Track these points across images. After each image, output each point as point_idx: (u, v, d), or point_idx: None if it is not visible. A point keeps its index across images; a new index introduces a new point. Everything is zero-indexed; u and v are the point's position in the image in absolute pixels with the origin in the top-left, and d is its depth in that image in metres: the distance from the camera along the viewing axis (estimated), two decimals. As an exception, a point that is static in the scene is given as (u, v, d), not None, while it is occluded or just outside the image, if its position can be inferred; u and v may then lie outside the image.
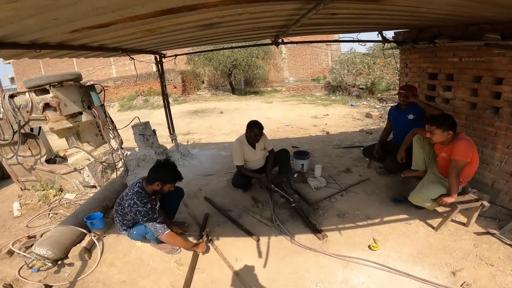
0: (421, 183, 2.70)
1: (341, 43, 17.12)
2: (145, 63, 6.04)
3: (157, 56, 4.73)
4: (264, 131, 3.39)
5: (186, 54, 7.34)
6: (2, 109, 3.31)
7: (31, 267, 2.35)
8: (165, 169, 2.28)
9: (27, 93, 3.32)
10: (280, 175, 3.62)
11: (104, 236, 2.81)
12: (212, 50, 13.24)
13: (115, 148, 3.98)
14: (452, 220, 2.71)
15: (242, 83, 18.37)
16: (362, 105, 11.09)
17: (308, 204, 3.16)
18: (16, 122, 3.29)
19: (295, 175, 3.86)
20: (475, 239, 2.52)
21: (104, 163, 3.75)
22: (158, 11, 1.75)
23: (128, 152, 4.38)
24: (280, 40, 4.01)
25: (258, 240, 2.62)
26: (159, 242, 2.49)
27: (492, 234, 2.50)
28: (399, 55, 4.75)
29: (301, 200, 3.23)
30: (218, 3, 1.75)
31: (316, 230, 2.66)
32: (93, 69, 18.08)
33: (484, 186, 3.12)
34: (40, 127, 3.75)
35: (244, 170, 3.45)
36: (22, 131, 3.37)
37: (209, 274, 2.30)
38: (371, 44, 12.19)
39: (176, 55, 4.96)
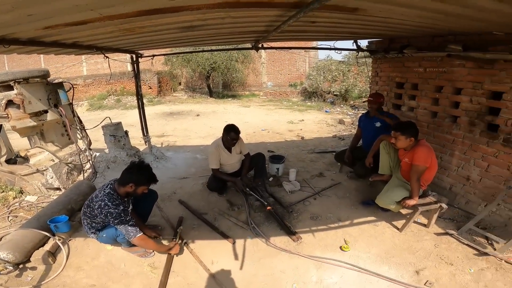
0: (386, 187, 2.88)
1: (319, 50, 17.64)
2: (120, 62, 5.83)
3: (133, 56, 4.60)
4: (240, 135, 3.41)
5: (164, 55, 7.19)
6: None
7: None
8: (139, 171, 2.22)
9: None
10: (256, 179, 3.65)
11: (70, 240, 2.66)
12: (191, 52, 13.12)
13: (82, 149, 3.79)
14: (415, 222, 2.90)
15: (220, 86, 18.31)
16: (336, 111, 11.51)
17: (283, 207, 3.22)
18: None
19: (271, 179, 3.92)
20: (435, 239, 2.71)
21: (70, 165, 3.56)
22: (141, 11, 1.72)
23: (97, 154, 4.19)
24: (260, 45, 4.08)
25: (234, 243, 2.62)
26: (131, 245, 2.41)
27: (451, 235, 2.71)
28: (371, 63, 5.01)
29: (276, 203, 3.29)
30: (201, 6, 1.76)
31: (290, 232, 2.73)
32: (61, 66, 17.02)
33: (443, 190, 3.38)
34: (1, 125, 3.48)
35: (219, 173, 3.45)
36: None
37: (184, 277, 2.27)
38: (346, 52, 12.73)
39: (153, 55, 4.85)
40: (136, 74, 4.76)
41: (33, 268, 2.32)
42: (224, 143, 3.39)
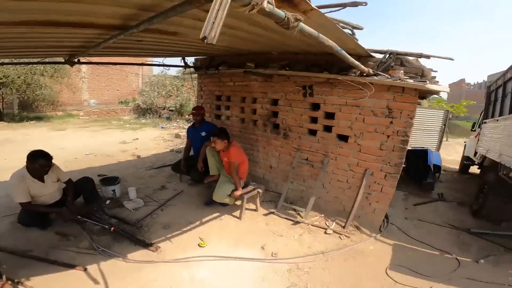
0: (218, 185, 3.53)
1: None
2: None
3: None
4: (56, 162, 2.99)
5: None
6: None
7: None
8: None
9: None
10: (88, 205, 3.25)
11: None
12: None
13: None
14: (247, 209, 3.65)
15: (15, 106, 13.60)
16: (172, 126, 11.82)
17: (130, 224, 3.12)
18: None
19: (107, 202, 3.62)
20: (265, 219, 3.49)
21: None
22: None
23: None
24: (76, 60, 3.67)
25: (85, 270, 2.31)
26: None
27: (273, 213, 3.61)
28: (197, 79, 5.67)
29: (122, 223, 3.12)
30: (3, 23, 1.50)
31: (147, 244, 2.72)
32: None
33: (259, 179, 4.45)
34: None
35: (33, 207, 2.82)
36: None
37: None
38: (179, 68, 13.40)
39: None
40: None
41: None
42: (32, 173, 2.80)
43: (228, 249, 2.84)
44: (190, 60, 5.14)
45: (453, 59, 3.27)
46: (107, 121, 13.64)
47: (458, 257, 2.85)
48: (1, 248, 2.52)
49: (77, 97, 15.50)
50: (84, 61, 3.94)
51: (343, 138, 3.41)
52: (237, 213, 3.55)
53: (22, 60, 6.47)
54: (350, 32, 2.57)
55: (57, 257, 2.48)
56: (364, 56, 2.98)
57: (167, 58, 4.79)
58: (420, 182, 4.93)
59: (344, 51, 1.89)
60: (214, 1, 0.87)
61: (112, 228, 2.78)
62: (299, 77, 3.58)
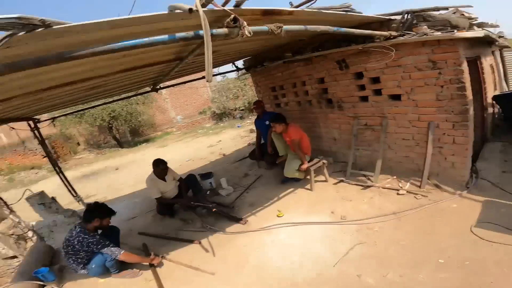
0: (286, 162, 4.06)
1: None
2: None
3: (31, 123, 4.55)
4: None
5: (64, 115, 6.91)
6: None
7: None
8: (99, 208, 2.76)
9: None
10: (195, 195, 4.29)
11: (63, 285, 2.81)
12: (85, 109, 12.22)
13: (17, 221, 3.68)
14: (318, 180, 4.06)
15: (128, 134, 17.40)
16: (247, 124, 12.93)
17: (226, 206, 3.99)
18: None
19: (208, 192, 4.61)
20: (335, 188, 3.83)
21: (13, 236, 3.45)
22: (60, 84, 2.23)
23: (34, 223, 4.06)
24: (158, 87, 4.75)
25: (200, 243, 3.21)
26: (120, 270, 2.80)
27: (342, 181, 3.90)
28: (251, 77, 6.31)
29: (220, 206, 4.00)
30: (106, 75, 2.40)
31: (238, 219, 3.50)
32: None
33: (326, 152, 4.75)
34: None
35: (164, 200, 3.97)
36: None
37: (174, 278, 2.73)
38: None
39: (53, 118, 4.92)
40: (42, 140, 4.73)
41: None
42: (158, 175, 3.93)
43: (301, 217, 3.31)
44: (239, 63, 5.83)
45: (472, 6, 3.09)
46: (194, 131, 15.82)
47: None
48: (149, 234, 3.71)
49: (166, 117, 18.57)
50: (163, 85, 5.01)
51: (396, 97, 3.43)
52: (309, 186, 3.98)
53: (121, 96, 8.49)
54: (344, 11, 2.68)
55: (182, 236, 3.49)
56: (382, 21, 3.06)
57: (220, 67, 5.54)
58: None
59: (344, 28, 2.19)
60: (205, 52, 1.35)
61: (214, 210, 3.68)
62: (335, 53, 3.72)
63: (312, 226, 3.09)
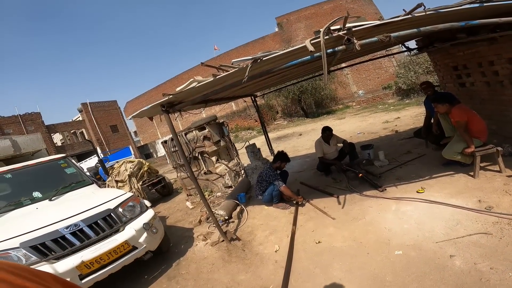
0: (449, 143, 3.82)
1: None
2: (220, 107, 8.59)
3: (252, 97, 6.96)
4: None
5: (269, 92, 9.60)
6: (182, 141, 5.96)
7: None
8: (282, 155, 4.26)
9: (193, 131, 5.95)
10: (351, 162, 5.07)
11: (247, 206, 4.80)
12: (282, 87, 15.55)
13: (239, 162, 6.24)
14: (490, 170, 3.56)
15: (313, 106, 19.93)
16: (437, 101, 11.13)
17: (374, 175, 4.47)
18: (188, 150, 5.88)
19: (364, 162, 5.22)
20: (507, 180, 3.23)
21: (234, 171, 5.99)
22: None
23: (245, 164, 6.59)
24: (331, 68, 5.62)
25: (337, 197, 4.08)
26: (278, 202, 4.28)
27: None
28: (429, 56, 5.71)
29: (369, 174, 4.55)
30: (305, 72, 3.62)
31: (377, 186, 3.95)
32: (188, 116, 22.81)
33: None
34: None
35: (324, 159, 5.08)
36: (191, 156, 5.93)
37: (307, 215, 3.88)
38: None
39: (263, 94, 7.14)
40: (257, 109, 7.13)
41: (233, 221, 4.46)
42: (324, 139, 5.05)
43: (442, 197, 3.21)
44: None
45: None
46: (374, 106, 15.53)
47: None
48: (306, 184, 4.97)
49: (348, 91, 19.26)
50: (337, 67, 5.82)
51: None
52: (473, 172, 3.58)
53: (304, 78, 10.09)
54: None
55: (328, 190, 4.42)
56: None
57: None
58: None
59: (478, 21, 2.04)
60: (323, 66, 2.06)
61: (360, 175, 4.33)
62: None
63: (445, 207, 3.02)
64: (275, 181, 4.17)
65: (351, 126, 11.12)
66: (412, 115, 9.86)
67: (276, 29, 24.39)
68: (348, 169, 4.72)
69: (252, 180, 5.83)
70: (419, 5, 1.96)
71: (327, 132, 5.04)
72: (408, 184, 3.88)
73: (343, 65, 6.53)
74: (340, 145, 5.17)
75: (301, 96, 18.26)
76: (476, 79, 4.43)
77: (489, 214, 2.71)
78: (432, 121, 4.87)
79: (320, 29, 2.06)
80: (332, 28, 2.08)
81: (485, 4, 2.09)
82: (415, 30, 2.10)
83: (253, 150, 6.18)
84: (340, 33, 2.01)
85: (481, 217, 2.71)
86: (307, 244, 3.17)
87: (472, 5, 2.12)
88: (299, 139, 11.82)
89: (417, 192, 3.56)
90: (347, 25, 2.10)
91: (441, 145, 4.51)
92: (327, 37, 2.04)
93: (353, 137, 8.57)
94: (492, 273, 2.03)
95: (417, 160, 4.66)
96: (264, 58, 2.30)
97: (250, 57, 2.34)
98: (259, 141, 12.03)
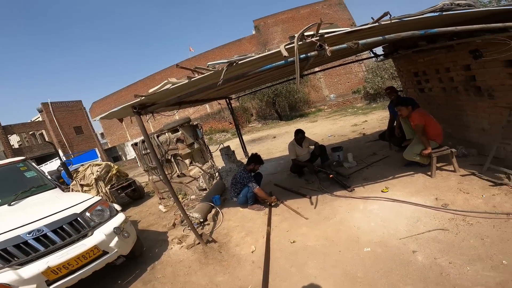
0: (409, 145, 4.14)
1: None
2: (194, 108, 8.56)
3: (227, 100, 6.94)
4: None
5: (244, 95, 9.68)
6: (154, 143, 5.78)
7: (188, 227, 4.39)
8: (257, 157, 4.33)
9: (166, 133, 5.80)
10: (322, 163, 5.27)
11: (222, 208, 4.79)
12: (257, 90, 15.79)
13: (213, 165, 6.19)
14: (446, 170, 3.91)
15: (287, 109, 20.34)
16: (400, 106, 11.91)
17: (343, 176, 4.70)
18: (160, 153, 5.72)
19: (334, 163, 5.46)
20: (460, 179, 3.57)
21: (208, 174, 5.94)
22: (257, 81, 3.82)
23: (220, 167, 6.56)
24: (305, 72, 5.82)
25: (310, 198, 4.23)
26: (253, 204, 4.34)
27: (473, 174, 3.56)
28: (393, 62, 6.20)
29: (338, 175, 4.77)
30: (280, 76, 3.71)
31: (346, 187, 4.16)
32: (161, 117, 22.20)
33: (473, 144, 4.27)
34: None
35: (297, 161, 5.23)
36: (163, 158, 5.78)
37: (282, 215, 3.97)
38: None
39: (238, 96, 7.17)
40: (232, 111, 7.13)
41: (208, 223, 4.42)
42: (297, 141, 5.21)
43: (404, 196, 3.48)
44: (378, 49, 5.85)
45: None
46: (344, 110, 16.20)
47: None
48: (280, 185, 5.09)
49: (320, 95, 19.96)
50: (307, 72, 6.05)
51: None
52: (429, 172, 3.90)
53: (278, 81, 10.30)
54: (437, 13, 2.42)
55: (300, 191, 4.55)
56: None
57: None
58: None
59: (436, 29, 2.24)
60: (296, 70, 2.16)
61: (331, 176, 4.52)
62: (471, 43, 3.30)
63: (407, 205, 3.26)
64: (249, 183, 4.21)
65: (322, 129, 11.53)
66: (378, 119, 10.45)
67: (253, 32, 24.64)
68: (320, 171, 4.91)
69: (226, 182, 5.82)
70: (385, 14, 2.11)
71: (299, 134, 5.20)
72: (374, 184, 4.13)
73: (316, 69, 6.81)
74: (312, 147, 5.36)
75: (275, 99, 18.60)
76: (434, 85, 4.84)
77: (445, 211, 2.97)
78: (395, 124, 5.23)
79: (295, 34, 2.15)
80: (306, 34, 2.17)
81: (444, 13, 2.29)
82: (380, 38, 2.25)
83: (227, 153, 6.18)
84: (313, 39, 2.11)
85: (438, 214, 2.96)
86: (282, 244, 3.25)
87: (433, 14, 2.31)
88: (273, 142, 12.01)
89: (382, 191, 3.81)
90: (320, 31, 2.20)
91: (403, 147, 4.85)
92: (301, 42, 2.13)
93: (324, 140, 8.91)
94: (451, 267, 2.19)
95: (382, 161, 4.98)
96: (239, 62, 2.34)
97: (226, 60, 2.37)
98: (234, 144, 12.03)
